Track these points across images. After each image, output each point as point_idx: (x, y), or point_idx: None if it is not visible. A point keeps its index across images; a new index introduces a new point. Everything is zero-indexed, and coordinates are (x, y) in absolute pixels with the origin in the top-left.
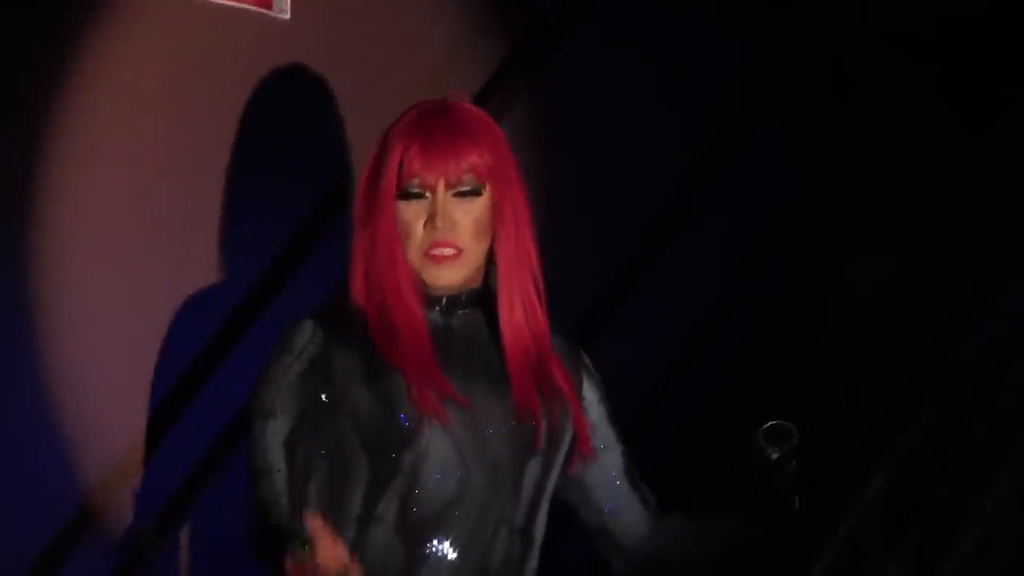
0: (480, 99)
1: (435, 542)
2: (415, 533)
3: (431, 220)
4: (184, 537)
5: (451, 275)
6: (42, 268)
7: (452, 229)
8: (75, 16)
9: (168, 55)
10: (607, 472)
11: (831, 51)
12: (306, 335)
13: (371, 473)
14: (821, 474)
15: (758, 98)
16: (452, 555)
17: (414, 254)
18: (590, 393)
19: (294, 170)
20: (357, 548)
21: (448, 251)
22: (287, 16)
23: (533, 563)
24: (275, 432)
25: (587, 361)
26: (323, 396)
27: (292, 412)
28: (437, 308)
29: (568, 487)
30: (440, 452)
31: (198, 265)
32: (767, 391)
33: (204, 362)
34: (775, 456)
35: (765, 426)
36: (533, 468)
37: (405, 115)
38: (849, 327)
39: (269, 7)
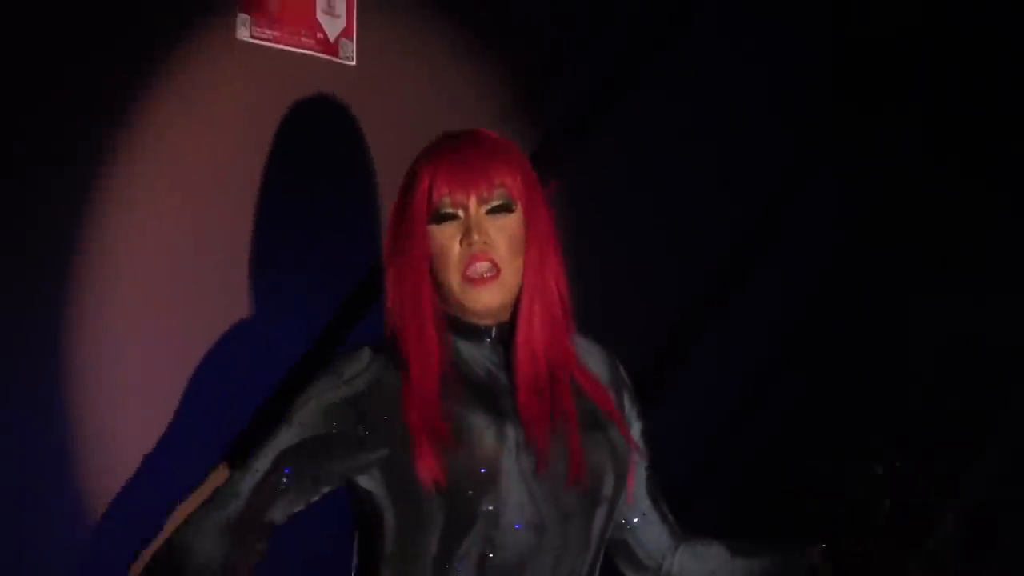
0: (534, 158)
1: None
2: None
3: (467, 236)
4: None
5: (490, 296)
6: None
7: (488, 243)
8: (143, 58)
9: (235, 99)
10: (635, 487)
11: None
12: (360, 364)
13: (447, 517)
14: (894, 510)
15: (810, 143)
16: None
17: (452, 276)
18: (628, 407)
19: (359, 212)
20: None
21: (486, 267)
22: (353, 62)
23: None
24: (281, 440)
25: (624, 375)
26: (361, 430)
27: (307, 433)
28: (487, 339)
29: None
30: (518, 500)
31: (261, 307)
32: (836, 430)
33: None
34: (879, 472)
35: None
36: (600, 517)
37: (429, 145)
38: (914, 365)
39: (336, 54)
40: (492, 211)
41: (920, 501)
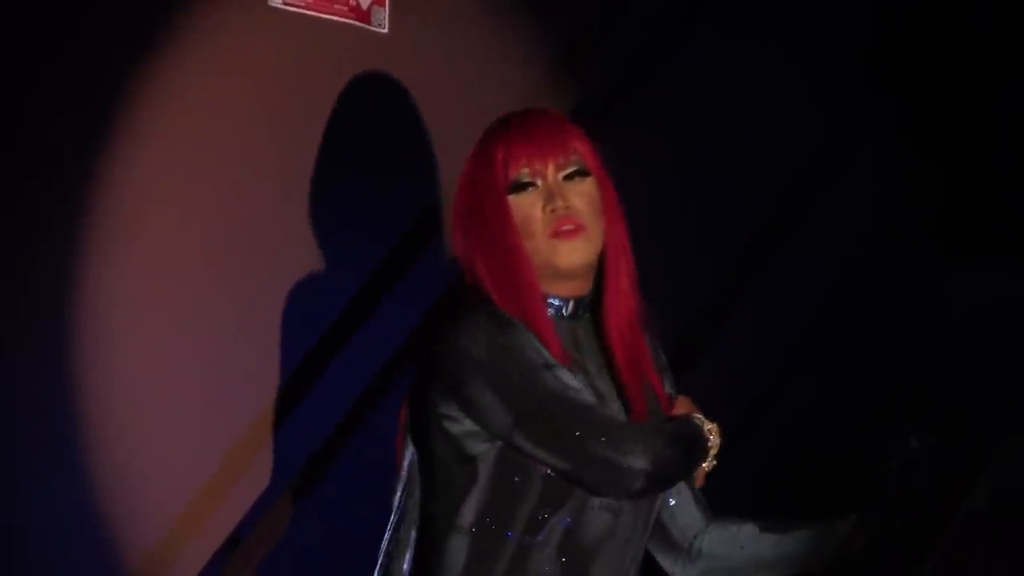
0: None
1: (590, 571)
2: (575, 563)
3: (549, 201)
4: None
5: (582, 250)
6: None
7: (570, 207)
8: (173, 25)
9: (267, 66)
10: None
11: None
12: (520, 330)
13: (542, 491)
14: (925, 486)
15: (840, 128)
16: None
17: (540, 240)
18: (669, 389)
19: (390, 179)
20: (516, 566)
21: (572, 227)
22: (385, 30)
23: None
24: (568, 375)
25: (664, 358)
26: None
27: (541, 350)
28: (563, 313)
29: None
30: None
31: (297, 272)
32: (867, 403)
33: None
34: (915, 445)
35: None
36: (658, 501)
37: (491, 126)
38: (949, 338)
39: (368, 21)
40: (569, 176)
41: (952, 477)
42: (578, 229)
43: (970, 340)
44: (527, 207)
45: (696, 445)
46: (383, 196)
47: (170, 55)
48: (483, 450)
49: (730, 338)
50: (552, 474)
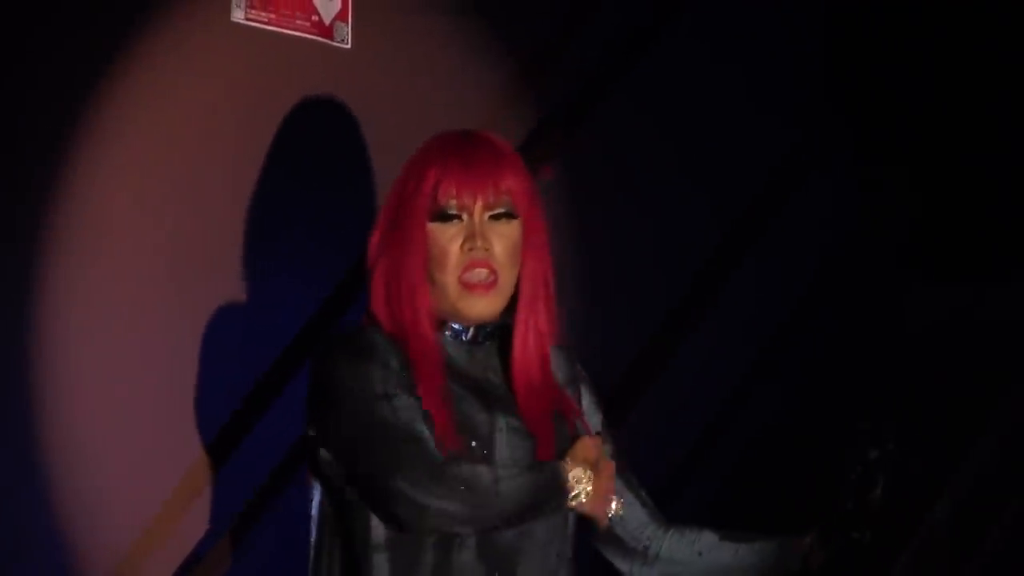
0: (524, 149)
1: (515, 572)
2: (497, 560)
3: (468, 240)
4: None
5: (487, 305)
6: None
7: (489, 250)
8: (134, 38)
9: (229, 81)
10: None
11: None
12: (382, 344)
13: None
14: (885, 497)
15: (803, 139)
16: None
17: (449, 278)
18: (587, 400)
19: (354, 193)
20: (438, 570)
21: (484, 274)
22: (348, 46)
23: None
24: (404, 406)
25: (582, 370)
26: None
27: (391, 368)
28: (463, 339)
29: None
30: None
31: (250, 297)
32: (830, 417)
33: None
34: (874, 456)
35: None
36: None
37: (431, 143)
38: (914, 352)
39: (331, 37)
40: (495, 217)
41: (914, 488)
42: (490, 285)
43: (928, 354)
44: (446, 240)
45: (545, 490)
46: (346, 210)
47: (133, 69)
48: None
49: (694, 349)
50: None
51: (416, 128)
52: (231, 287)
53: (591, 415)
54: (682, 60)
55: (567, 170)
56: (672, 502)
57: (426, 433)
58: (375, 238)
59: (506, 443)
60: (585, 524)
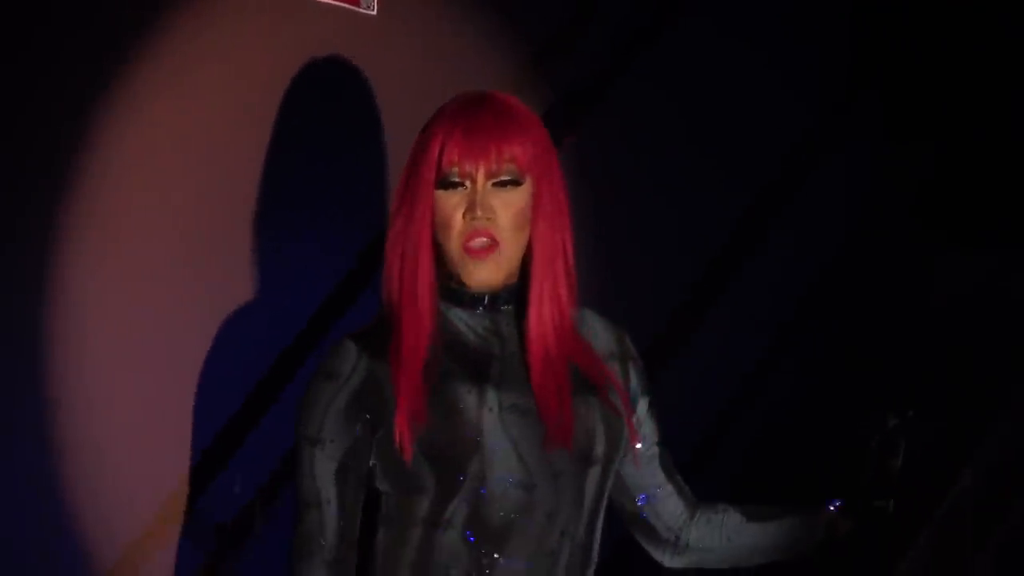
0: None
1: (504, 552)
2: (483, 541)
3: (470, 209)
4: None
5: (489, 272)
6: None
7: (491, 219)
8: (154, 11)
9: (254, 49)
10: (645, 462)
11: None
12: (351, 360)
13: (436, 483)
14: (911, 469)
15: (824, 122)
16: (520, 565)
17: (453, 245)
18: (635, 381)
19: (380, 164)
20: (424, 550)
21: (485, 241)
22: (374, 12)
23: None
24: (325, 459)
25: (632, 349)
26: (369, 417)
27: (344, 441)
28: (480, 307)
29: None
30: (504, 460)
31: (265, 275)
32: (855, 388)
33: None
34: (893, 424)
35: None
36: (594, 476)
37: (445, 106)
38: (939, 324)
39: (356, 3)
40: (500, 184)
41: (939, 456)
42: (490, 248)
43: (954, 325)
44: (451, 208)
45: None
46: (368, 183)
47: (151, 43)
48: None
49: (715, 325)
50: (440, 466)
51: (442, 96)
52: (246, 268)
53: (636, 397)
54: (698, 42)
55: (585, 146)
56: (695, 478)
57: (329, 501)
58: (393, 205)
59: (499, 423)
60: (615, 507)
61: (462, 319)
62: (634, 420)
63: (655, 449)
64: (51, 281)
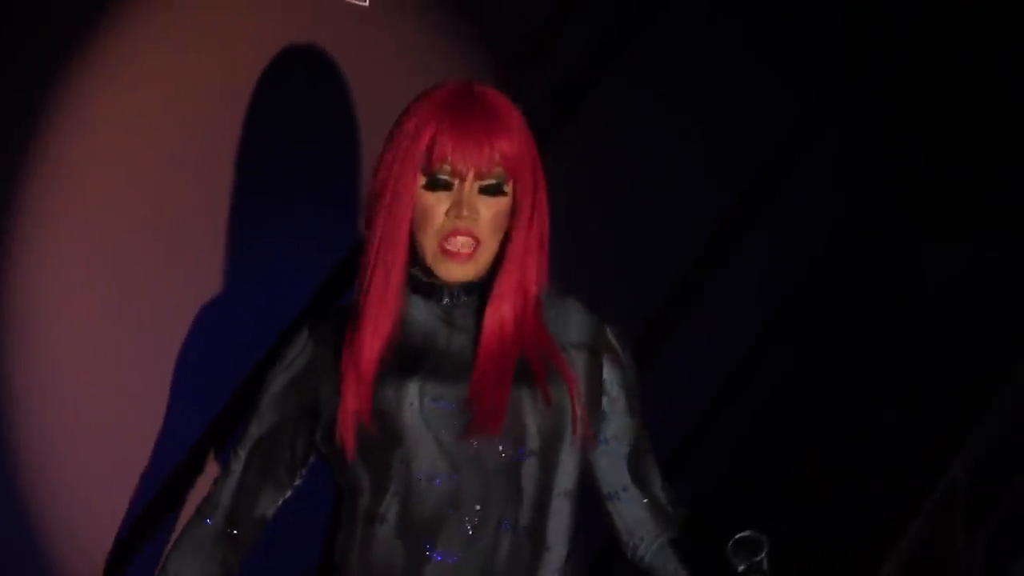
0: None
1: (435, 545)
2: (415, 535)
3: (455, 208)
4: None
5: (464, 272)
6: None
7: (475, 220)
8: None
9: (246, 39)
10: (613, 460)
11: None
12: (298, 345)
13: (370, 478)
14: (903, 461)
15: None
16: (452, 558)
17: (430, 242)
18: (609, 375)
19: (371, 156)
20: (365, 545)
21: (466, 242)
22: (366, 3)
23: (551, 567)
24: (249, 436)
25: (614, 343)
26: (306, 407)
27: (269, 420)
28: (446, 300)
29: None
30: (427, 453)
31: (253, 264)
32: (845, 380)
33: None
34: (742, 569)
35: (735, 538)
36: (530, 467)
37: (431, 94)
38: (926, 315)
39: None
40: (485, 189)
41: (931, 448)
42: (469, 255)
43: (945, 313)
44: (434, 201)
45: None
46: (363, 173)
47: (132, 28)
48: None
49: (704, 317)
50: (370, 461)
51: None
52: (223, 270)
53: (611, 390)
54: (682, 32)
55: (577, 136)
56: (680, 476)
57: (233, 472)
58: (375, 185)
59: (420, 418)
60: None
61: (418, 307)
62: (598, 412)
63: (625, 449)
64: (18, 280)
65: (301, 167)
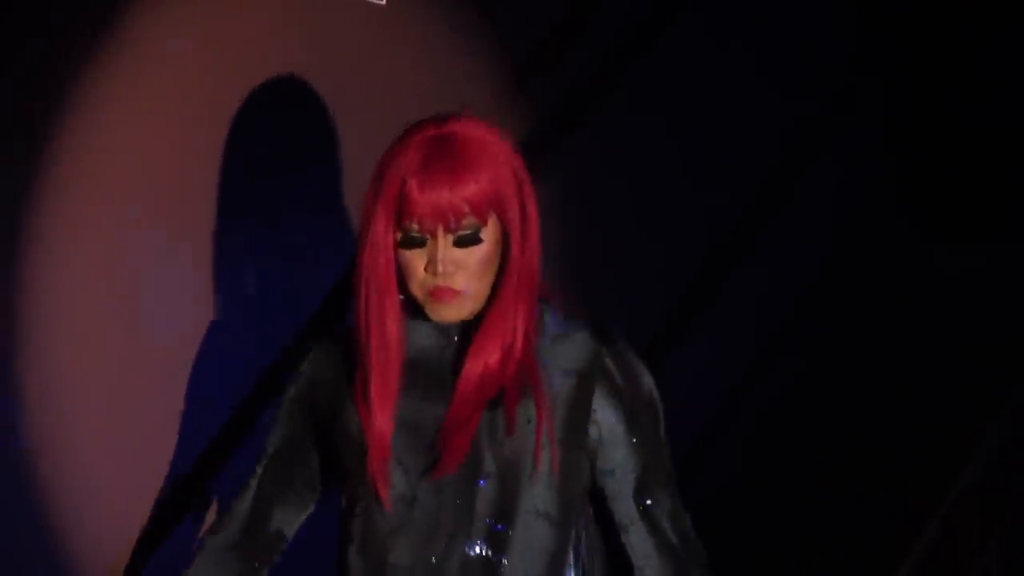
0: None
1: (387, 562)
2: (372, 553)
3: (431, 265)
4: None
5: (454, 313)
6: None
7: (453, 275)
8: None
9: (264, 39)
10: (619, 491)
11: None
12: (312, 361)
13: (346, 497)
14: (918, 464)
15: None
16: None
17: (417, 290)
18: (603, 401)
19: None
20: (344, 565)
21: (452, 292)
22: (383, 2)
23: None
24: (267, 450)
25: (611, 367)
26: (307, 422)
27: (283, 435)
28: (452, 334)
29: None
30: (389, 473)
31: (264, 267)
32: (859, 380)
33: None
34: None
35: None
36: (487, 491)
37: (406, 139)
38: (937, 317)
39: None
40: (460, 242)
41: (946, 450)
42: (454, 295)
43: (954, 324)
44: (411, 257)
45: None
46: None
47: (142, 29)
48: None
49: (712, 325)
50: (345, 490)
51: (452, 88)
52: (238, 270)
53: (603, 417)
54: (690, 43)
55: (591, 138)
56: (691, 478)
57: (250, 486)
58: (360, 222)
59: (401, 451)
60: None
61: (416, 329)
62: (583, 440)
63: (631, 482)
64: (29, 280)
65: (316, 167)
